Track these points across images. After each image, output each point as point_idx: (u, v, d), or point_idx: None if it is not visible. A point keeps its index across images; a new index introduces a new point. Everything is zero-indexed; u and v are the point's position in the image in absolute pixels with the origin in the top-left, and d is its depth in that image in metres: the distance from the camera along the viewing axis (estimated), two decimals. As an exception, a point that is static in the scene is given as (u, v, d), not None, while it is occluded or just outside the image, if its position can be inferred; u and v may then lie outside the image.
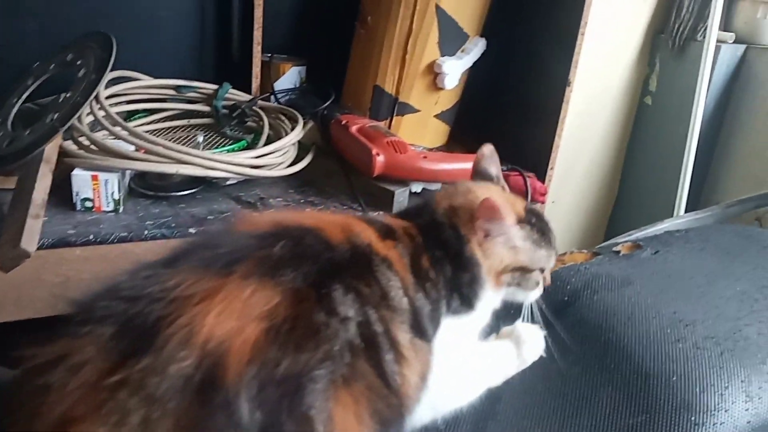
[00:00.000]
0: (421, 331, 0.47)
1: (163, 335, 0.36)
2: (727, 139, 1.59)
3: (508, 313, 0.62)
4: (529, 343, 0.60)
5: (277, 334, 0.37)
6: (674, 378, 0.60)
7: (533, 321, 0.61)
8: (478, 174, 0.65)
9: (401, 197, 0.98)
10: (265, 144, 1.02)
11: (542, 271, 0.59)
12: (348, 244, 0.46)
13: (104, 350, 0.36)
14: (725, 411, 0.58)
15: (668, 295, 0.70)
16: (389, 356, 0.43)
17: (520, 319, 0.62)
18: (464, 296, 0.53)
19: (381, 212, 0.89)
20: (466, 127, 1.25)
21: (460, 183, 0.61)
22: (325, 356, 0.39)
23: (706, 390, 0.59)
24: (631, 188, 1.73)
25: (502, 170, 1.05)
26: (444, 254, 0.53)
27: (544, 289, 0.61)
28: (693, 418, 0.57)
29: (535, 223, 0.58)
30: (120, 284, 0.40)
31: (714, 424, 0.57)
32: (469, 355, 0.56)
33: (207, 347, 0.36)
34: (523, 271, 0.57)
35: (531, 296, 0.60)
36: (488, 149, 0.66)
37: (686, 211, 1.49)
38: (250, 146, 1.05)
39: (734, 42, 1.52)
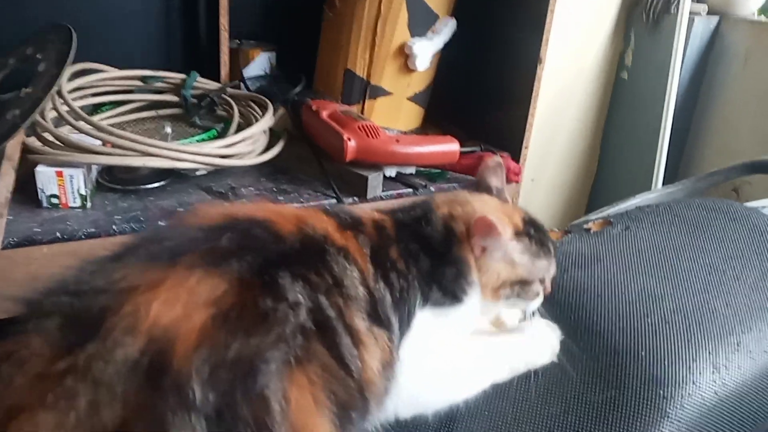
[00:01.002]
0: (381, 320, 0.47)
1: (108, 323, 0.36)
2: (702, 111, 1.59)
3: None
4: (543, 342, 0.59)
5: (225, 320, 0.37)
6: (643, 352, 0.60)
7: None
8: (479, 184, 0.64)
9: (375, 182, 0.98)
10: (237, 132, 1.01)
11: (542, 281, 0.58)
12: (299, 234, 0.46)
13: (49, 342, 0.36)
14: (693, 383, 0.58)
15: (637, 271, 0.70)
16: (346, 340, 0.43)
17: (535, 315, 0.60)
18: (448, 289, 0.52)
19: (360, 206, 0.88)
20: (440, 108, 1.24)
21: (459, 192, 0.59)
22: (277, 339, 0.39)
23: (674, 363, 0.60)
24: (609, 164, 1.73)
25: (476, 151, 1.06)
26: (422, 248, 0.52)
27: (545, 297, 0.60)
28: (661, 392, 0.57)
29: (534, 234, 0.57)
30: (66, 280, 0.40)
31: (682, 396, 0.58)
32: (464, 349, 0.55)
33: (153, 333, 0.36)
34: (523, 283, 0.56)
35: (531, 305, 0.59)
36: (493, 161, 0.64)
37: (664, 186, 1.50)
38: (221, 135, 1.04)
39: (708, 14, 1.52)
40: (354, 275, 0.46)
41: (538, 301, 0.59)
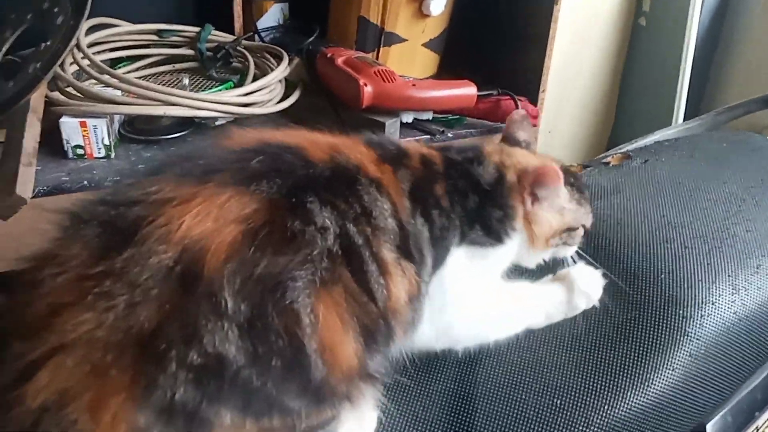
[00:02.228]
0: (410, 254, 0.47)
1: (143, 232, 0.38)
2: (723, 55, 1.56)
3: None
4: (584, 289, 0.59)
5: (254, 237, 0.39)
6: (663, 276, 0.61)
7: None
8: (507, 140, 0.63)
9: (392, 128, 0.98)
10: (253, 82, 1.01)
11: (584, 227, 0.59)
12: (330, 163, 0.46)
13: (88, 247, 0.38)
14: (712, 303, 0.60)
15: (657, 201, 0.71)
16: (373, 267, 0.44)
17: (580, 262, 0.61)
18: (492, 230, 0.53)
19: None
20: (456, 54, 1.23)
21: (504, 145, 0.60)
22: (304, 260, 0.40)
23: (693, 285, 0.61)
24: (627, 111, 1.71)
25: (493, 95, 1.05)
26: (471, 187, 0.53)
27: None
28: (681, 312, 0.59)
29: (574, 183, 0.58)
30: (104, 193, 0.42)
31: (701, 316, 0.59)
32: (499, 291, 0.56)
33: (185, 244, 0.37)
34: (569, 230, 0.57)
35: (571, 251, 0.60)
36: (519, 114, 0.64)
37: (682, 131, 1.48)
38: (237, 87, 1.05)
39: (728, -48, 1.48)
40: (384, 207, 0.46)
41: (575, 248, 0.61)
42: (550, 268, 0.61)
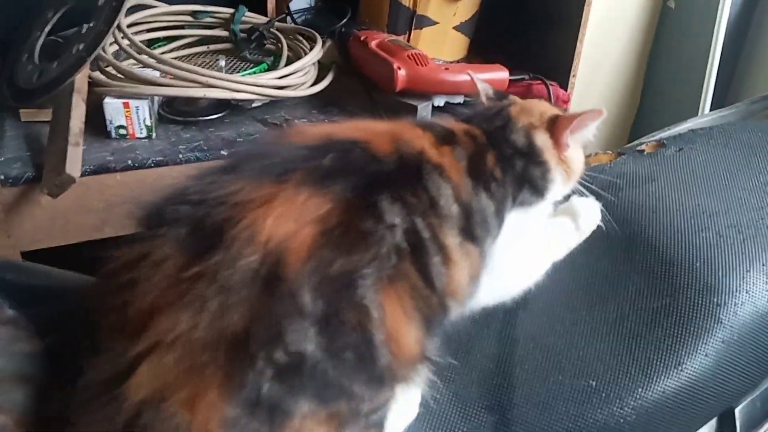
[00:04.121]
0: (473, 235, 0.50)
1: (230, 235, 0.40)
2: (755, 39, 1.53)
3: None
4: (585, 214, 0.64)
5: (329, 237, 0.41)
6: (697, 264, 0.63)
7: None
8: (498, 94, 0.68)
9: (424, 112, 0.99)
10: (286, 65, 1.02)
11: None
12: (396, 154, 0.48)
13: (180, 248, 0.40)
14: (746, 292, 0.61)
15: (691, 190, 0.72)
16: (436, 259, 0.46)
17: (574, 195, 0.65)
18: (537, 188, 0.57)
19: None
20: (486, 38, 1.23)
21: (519, 101, 0.63)
22: (373, 257, 0.42)
23: (728, 273, 0.62)
24: (654, 95, 1.70)
25: (525, 79, 1.06)
26: (514, 152, 0.56)
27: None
28: (715, 299, 0.60)
29: None
30: (187, 189, 0.44)
31: (735, 304, 0.60)
32: (534, 238, 0.60)
33: (268, 246, 0.39)
34: (585, 162, 0.62)
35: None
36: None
37: (710, 116, 1.47)
38: (271, 69, 1.06)
39: (764, -67, 1.45)
40: (448, 193, 0.49)
41: None
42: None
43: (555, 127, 0.58)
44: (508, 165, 0.55)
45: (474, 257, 0.50)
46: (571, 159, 0.59)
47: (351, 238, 0.42)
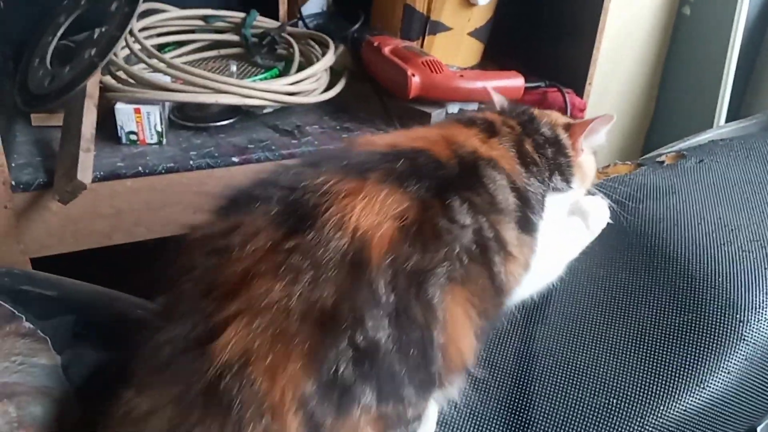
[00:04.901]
0: (528, 224, 0.52)
1: (322, 219, 0.41)
2: (769, 47, 1.52)
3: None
4: (594, 212, 0.64)
5: (407, 233, 0.42)
6: (719, 279, 0.61)
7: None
8: (512, 103, 0.70)
9: (438, 118, 0.98)
10: (297, 70, 1.02)
11: None
12: (456, 158, 0.50)
13: (274, 223, 0.41)
14: (770, 308, 0.60)
15: (713, 202, 0.71)
16: (498, 257, 0.48)
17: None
18: (566, 175, 0.58)
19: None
20: (500, 44, 1.22)
21: (542, 110, 0.65)
22: (445, 257, 0.43)
23: (751, 289, 0.61)
24: (668, 103, 1.68)
25: (541, 87, 1.04)
26: (545, 140, 0.58)
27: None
28: (738, 316, 0.59)
29: None
30: (275, 176, 0.46)
31: (759, 321, 0.59)
32: (560, 233, 0.61)
33: (356, 234, 0.41)
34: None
35: None
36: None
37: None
38: (282, 74, 1.05)
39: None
40: (504, 184, 0.51)
41: None
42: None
43: (570, 132, 0.61)
44: (542, 151, 0.57)
45: (527, 248, 0.52)
46: (584, 163, 0.61)
47: (427, 236, 0.43)
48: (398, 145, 0.50)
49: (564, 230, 0.61)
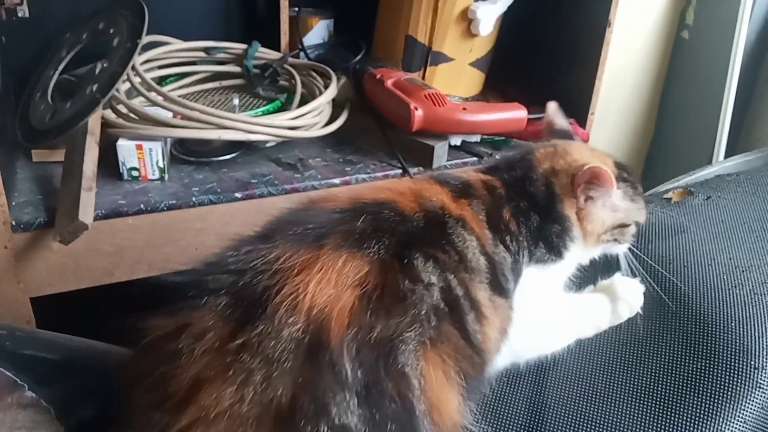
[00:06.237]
0: (500, 287, 0.49)
1: (273, 303, 0.39)
2: (768, 72, 1.52)
3: (606, 265, 0.63)
4: (626, 298, 0.61)
5: (369, 300, 0.40)
6: (732, 323, 0.60)
7: (631, 273, 0.62)
8: (556, 134, 0.65)
9: (441, 151, 0.98)
10: (299, 102, 1.01)
11: (637, 224, 0.60)
12: (421, 211, 0.48)
13: (222, 318, 0.39)
14: (785, 354, 0.58)
15: (722, 242, 0.70)
16: (470, 317, 0.46)
17: (620, 272, 0.63)
18: (552, 246, 0.54)
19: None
20: (502, 73, 1.22)
21: (559, 144, 0.61)
22: (413, 320, 0.41)
23: (764, 334, 0.60)
24: (668, 129, 1.68)
25: (542, 117, 1.04)
26: (531, 206, 0.55)
27: (631, 267, 0.63)
28: (753, 362, 0.58)
29: (627, 178, 0.59)
30: (225, 259, 0.44)
31: (774, 368, 0.58)
32: (556, 305, 0.58)
33: (312, 314, 0.39)
34: (621, 227, 0.58)
35: (624, 248, 0.62)
36: (552, 107, 0.67)
37: (726, 153, 1.46)
38: (285, 105, 1.05)
39: (779, -33, 1.44)
40: (474, 245, 0.48)
41: (629, 243, 0.62)
42: (599, 271, 0.62)
43: (577, 175, 0.56)
44: (524, 219, 0.54)
45: (503, 310, 0.49)
46: (588, 216, 0.56)
47: (389, 301, 0.41)
48: (361, 198, 0.49)
49: (575, 309, 0.59)
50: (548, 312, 0.57)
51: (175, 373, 0.38)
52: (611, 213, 0.57)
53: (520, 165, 0.58)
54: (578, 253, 0.58)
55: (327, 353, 0.38)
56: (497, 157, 0.64)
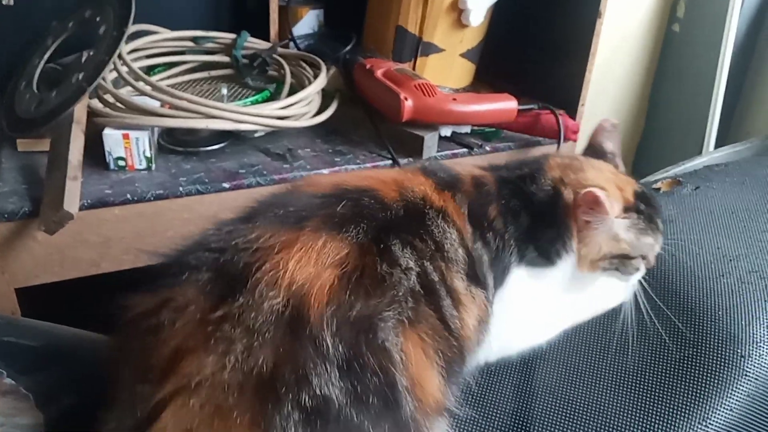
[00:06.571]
0: (478, 279, 0.49)
1: (254, 279, 0.40)
2: (759, 66, 1.53)
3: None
4: (605, 295, 0.61)
5: (348, 281, 0.41)
6: (720, 312, 0.61)
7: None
8: (593, 148, 0.63)
9: (431, 142, 0.97)
10: (289, 93, 1.00)
11: (644, 257, 0.58)
12: (402, 201, 0.49)
13: (203, 293, 0.40)
14: (771, 342, 0.59)
15: (710, 232, 0.70)
16: (447, 302, 0.46)
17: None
18: (543, 250, 0.53)
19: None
20: (493, 64, 1.22)
21: (576, 157, 0.60)
22: (391, 301, 0.42)
23: (751, 323, 0.60)
24: (658, 120, 1.69)
25: (532, 109, 1.04)
26: (524, 206, 0.53)
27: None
28: (739, 351, 0.58)
29: (644, 210, 0.56)
30: (207, 238, 0.44)
31: (760, 356, 0.58)
32: (547, 299, 0.57)
33: (292, 289, 0.39)
34: (624, 258, 0.56)
35: (631, 280, 0.59)
36: (608, 123, 0.64)
37: (716, 144, 1.46)
38: (273, 96, 1.04)
39: (769, -41, 1.45)
40: (453, 237, 0.48)
41: (637, 276, 0.59)
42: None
43: (577, 196, 0.54)
44: (512, 218, 0.53)
45: (480, 301, 0.49)
46: (585, 239, 0.54)
47: (369, 282, 0.42)
48: (343, 185, 0.49)
49: (561, 300, 0.58)
50: (540, 307, 0.57)
51: (156, 345, 0.38)
52: (611, 241, 0.55)
53: (529, 165, 0.58)
54: (571, 272, 0.56)
55: (308, 326, 0.38)
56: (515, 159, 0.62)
